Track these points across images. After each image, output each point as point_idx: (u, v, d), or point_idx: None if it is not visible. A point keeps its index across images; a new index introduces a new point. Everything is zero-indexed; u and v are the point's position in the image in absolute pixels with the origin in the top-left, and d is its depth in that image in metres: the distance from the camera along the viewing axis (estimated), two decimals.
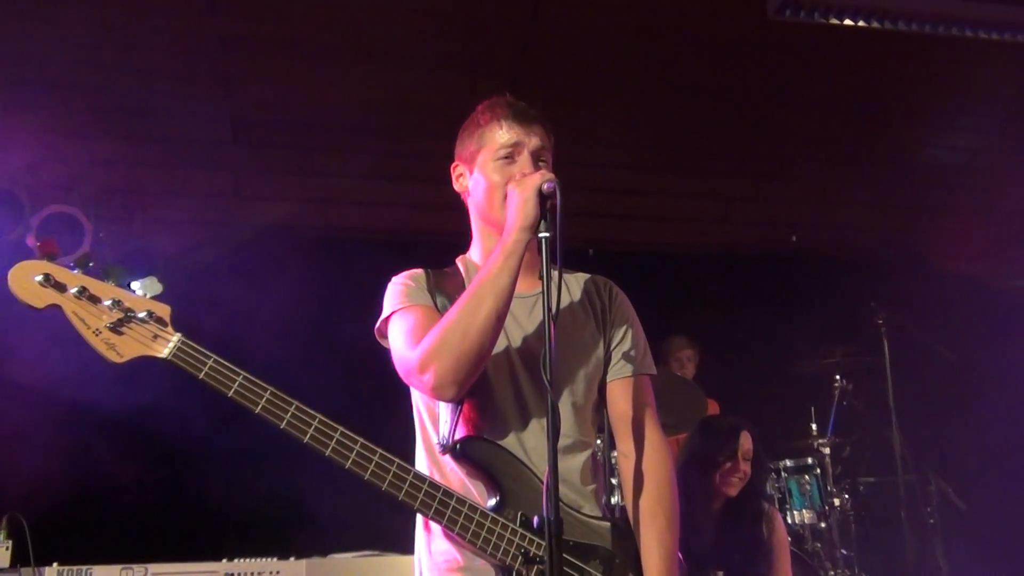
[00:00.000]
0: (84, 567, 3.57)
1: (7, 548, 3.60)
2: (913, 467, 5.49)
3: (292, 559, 3.81)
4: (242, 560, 3.75)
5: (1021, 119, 6.35)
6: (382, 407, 3.18)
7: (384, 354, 2.36)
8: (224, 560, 3.74)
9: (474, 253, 2.48)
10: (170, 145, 5.67)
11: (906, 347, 5.58)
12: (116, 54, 5.11)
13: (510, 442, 2.23)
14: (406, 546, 3.79)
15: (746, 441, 4.00)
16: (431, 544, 2.28)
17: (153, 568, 3.63)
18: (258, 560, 3.77)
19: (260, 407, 2.06)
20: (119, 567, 3.60)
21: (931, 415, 6.14)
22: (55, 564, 3.57)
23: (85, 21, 4.88)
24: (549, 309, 1.99)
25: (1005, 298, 6.94)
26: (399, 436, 2.39)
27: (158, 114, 5.48)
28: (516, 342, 2.31)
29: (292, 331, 5.66)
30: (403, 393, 2.39)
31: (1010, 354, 6.24)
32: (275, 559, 3.79)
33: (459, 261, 2.50)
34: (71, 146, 5.47)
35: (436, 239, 5.89)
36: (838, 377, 5.69)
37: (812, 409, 5.61)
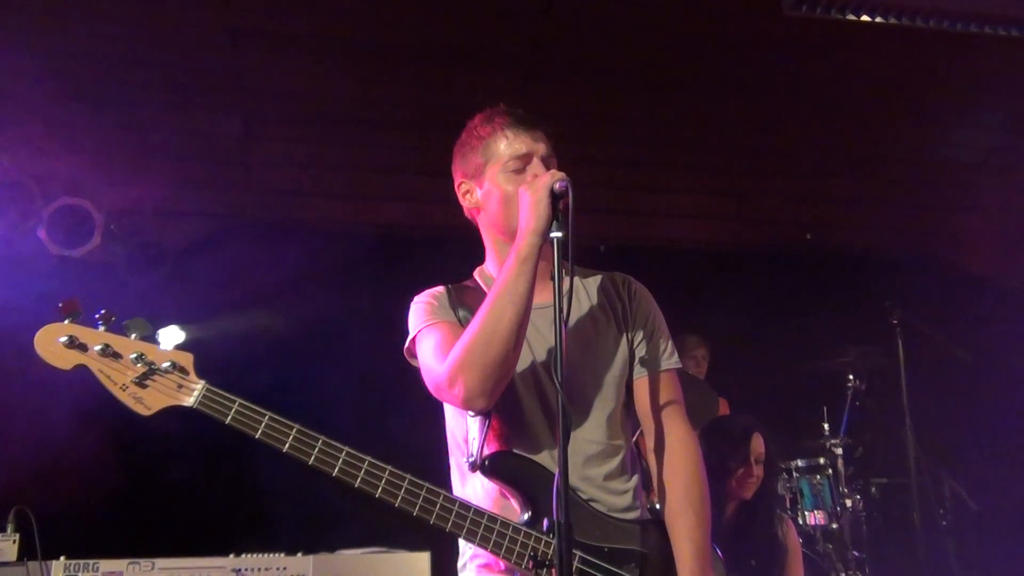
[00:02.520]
0: (91, 561, 3.55)
1: (14, 542, 3.59)
2: (926, 468, 5.44)
3: (299, 555, 3.79)
4: (249, 555, 3.73)
5: None
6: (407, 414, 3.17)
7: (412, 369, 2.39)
8: (231, 555, 3.72)
9: (490, 266, 2.47)
10: (181, 138, 5.66)
11: (920, 347, 5.52)
12: (128, 47, 5.10)
13: (539, 454, 2.24)
14: (415, 543, 3.80)
15: (758, 444, 3.96)
16: (475, 548, 2.29)
17: (160, 563, 3.62)
18: (265, 556, 3.74)
19: (288, 446, 2.11)
20: (126, 561, 3.58)
21: (945, 416, 6.08)
22: (62, 558, 3.55)
23: (96, 14, 4.86)
24: (561, 309, 1.97)
25: (1021, 298, 6.87)
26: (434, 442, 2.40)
27: (170, 107, 5.47)
28: (540, 354, 2.31)
29: (307, 324, 5.66)
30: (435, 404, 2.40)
31: None
32: (282, 554, 3.77)
33: (476, 274, 2.50)
34: (82, 138, 5.47)
35: (450, 233, 5.88)
36: (851, 377, 5.66)
37: (825, 409, 5.58)
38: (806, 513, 5.13)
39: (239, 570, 3.65)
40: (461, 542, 2.34)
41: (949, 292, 6.46)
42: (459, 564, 2.37)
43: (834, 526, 5.12)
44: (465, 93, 5.47)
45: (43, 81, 5.22)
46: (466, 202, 2.45)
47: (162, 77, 5.30)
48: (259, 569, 3.68)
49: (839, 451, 5.39)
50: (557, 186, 2.09)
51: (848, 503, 5.24)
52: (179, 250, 5.84)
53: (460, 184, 2.45)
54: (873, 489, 5.62)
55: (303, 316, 5.70)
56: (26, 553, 3.57)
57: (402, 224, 6.37)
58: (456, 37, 5.31)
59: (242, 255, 5.75)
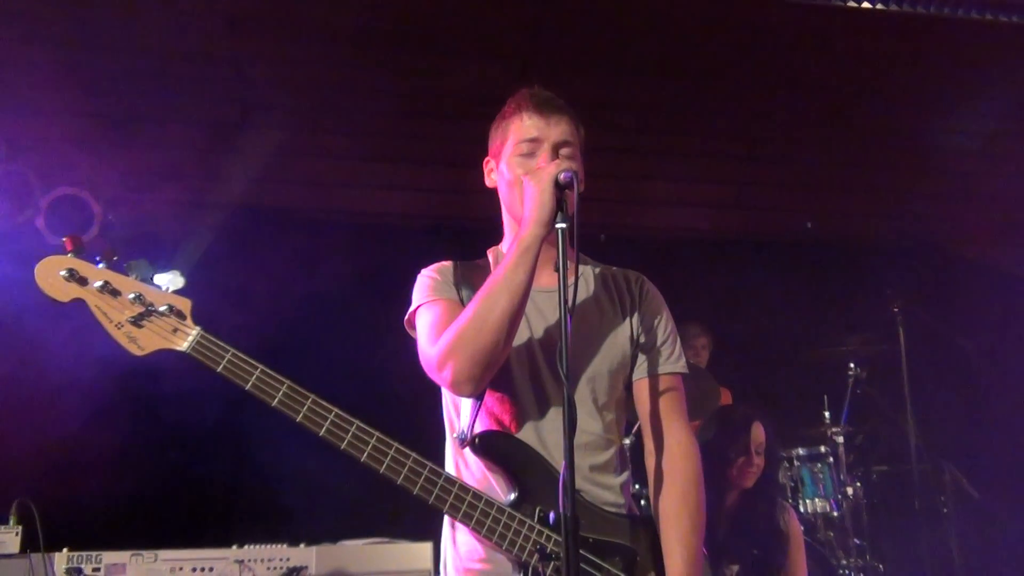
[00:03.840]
0: (94, 553, 3.55)
1: (17, 534, 3.59)
2: (927, 456, 5.45)
3: (302, 545, 3.80)
4: (252, 546, 3.73)
5: None
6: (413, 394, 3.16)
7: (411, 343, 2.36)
8: (234, 546, 3.72)
9: (504, 245, 2.46)
10: (179, 126, 5.63)
11: (921, 335, 5.52)
12: (125, 35, 5.06)
13: (529, 436, 2.22)
14: (417, 533, 3.80)
15: (758, 434, 3.96)
16: (455, 535, 2.29)
17: (163, 554, 3.62)
18: (268, 546, 3.75)
19: (277, 400, 2.08)
20: (129, 553, 3.59)
21: (946, 404, 6.09)
22: (65, 550, 3.55)
23: (93, 1, 4.83)
24: (565, 301, 1.95)
25: (1020, 285, 6.87)
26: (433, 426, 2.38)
27: (167, 95, 5.44)
28: (539, 336, 2.28)
29: (299, 312, 5.64)
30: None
31: None
32: (285, 545, 3.77)
33: (490, 253, 2.48)
34: (80, 127, 5.44)
35: (446, 223, 5.87)
36: (852, 365, 5.65)
37: (826, 397, 5.58)
38: (807, 501, 5.14)
39: (242, 561, 3.66)
40: (443, 551, 2.34)
41: (949, 280, 6.46)
42: (440, 569, 2.35)
43: (835, 514, 5.13)
44: (464, 80, 5.45)
45: (40, 70, 5.19)
46: (488, 181, 2.44)
47: (159, 64, 5.27)
48: (262, 560, 3.69)
49: (840, 439, 5.39)
50: (562, 176, 2.08)
51: (849, 491, 5.24)
52: (177, 239, 5.82)
53: (487, 162, 2.44)
54: (874, 477, 5.63)
55: (300, 302, 5.69)
56: (29, 545, 3.57)
57: (399, 212, 6.35)
58: (455, 24, 5.28)
59: (240, 242, 5.74)
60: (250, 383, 2.09)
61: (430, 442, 2.39)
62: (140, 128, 5.60)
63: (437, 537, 3.25)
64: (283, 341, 5.38)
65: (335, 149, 6.01)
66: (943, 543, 5.49)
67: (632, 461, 2.46)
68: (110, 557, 3.58)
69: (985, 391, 6.28)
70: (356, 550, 3.87)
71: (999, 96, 6.23)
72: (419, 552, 3.85)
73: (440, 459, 2.35)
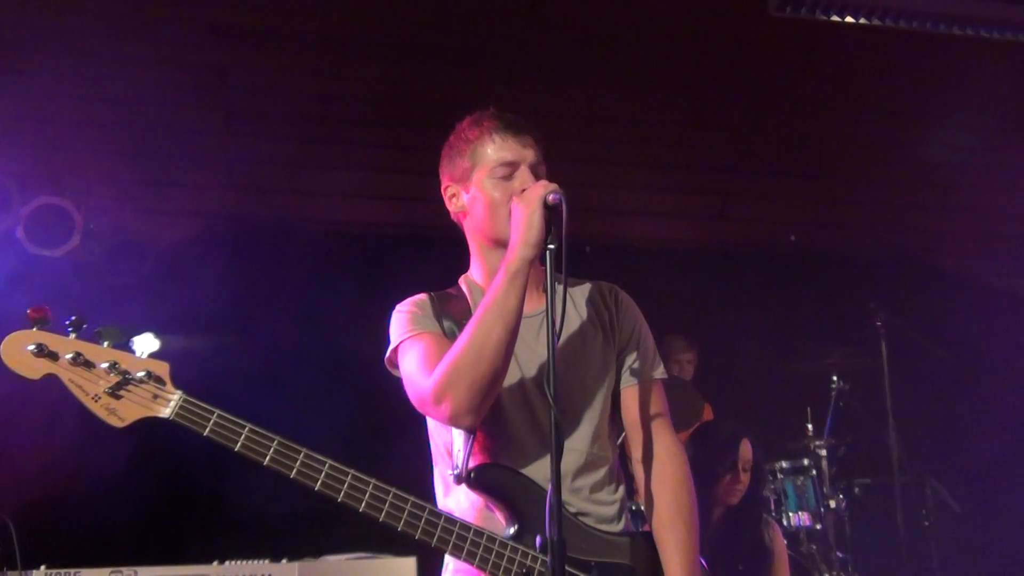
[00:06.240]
0: (72, 570, 3.49)
1: None
2: (909, 469, 5.48)
3: (284, 561, 3.74)
4: (233, 562, 3.68)
5: (1019, 117, 6.32)
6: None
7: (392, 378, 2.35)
8: (215, 563, 3.67)
9: (475, 273, 2.42)
10: (162, 135, 5.60)
11: (904, 348, 5.55)
12: (107, 42, 5.03)
13: (526, 467, 2.20)
14: (400, 548, 3.76)
15: (746, 451, 3.97)
16: (454, 563, 2.28)
17: (143, 571, 3.56)
18: (249, 563, 3.69)
19: (268, 459, 2.05)
20: (108, 570, 3.53)
21: (928, 417, 6.12)
22: (43, 567, 3.48)
23: (76, 9, 4.79)
24: (553, 322, 1.95)
25: (1004, 299, 6.92)
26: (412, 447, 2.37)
27: (150, 104, 5.40)
28: (526, 365, 2.26)
29: (284, 323, 5.61)
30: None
31: (1008, 355, 6.23)
32: (267, 561, 3.72)
33: (462, 282, 2.44)
34: (61, 136, 5.40)
35: (434, 233, 5.84)
36: (835, 378, 5.67)
37: (809, 410, 5.59)
38: (790, 514, 5.15)
39: None
40: (445, 564, 2.33)
41: (933, 293, 6.50)
42: None
43: (818, 527, 5.14)
44: (448, 91, 5.45)
45: (20, 78, 5.15)
46: (452, 206, 2.40)
47: (141, 73, 5.23)
48: None
49: (823, 452, 5.41)
50: (551, 198, 2.06)
51: (832, 504, 5.26)
52: (160, 249, 5.77)
53: (447, 187, 2.40)
54: (856, 490, 5.65)
55: (285, 315, 5.65)
56: (6, 562, 3.52)
57: (385, 223, 6.33)
58: (439, 34, 5.28)
59: (224, 254, 5.70)
60: (239, 444, 2.04)
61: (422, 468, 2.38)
62: (123, 137, 5.56)
63: (421, 552, 3.23)
64: (269, 353, 5.36)
65: (319, 159, 5.99)
66: (925, 556, 5.52)
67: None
68: (89, 574, 3.52)
69: (967, 404, 6.32)
70: (339, 565, 3.83)
71: (980, 110, 6.28)
72: (403, 567, 3.80)
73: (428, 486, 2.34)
